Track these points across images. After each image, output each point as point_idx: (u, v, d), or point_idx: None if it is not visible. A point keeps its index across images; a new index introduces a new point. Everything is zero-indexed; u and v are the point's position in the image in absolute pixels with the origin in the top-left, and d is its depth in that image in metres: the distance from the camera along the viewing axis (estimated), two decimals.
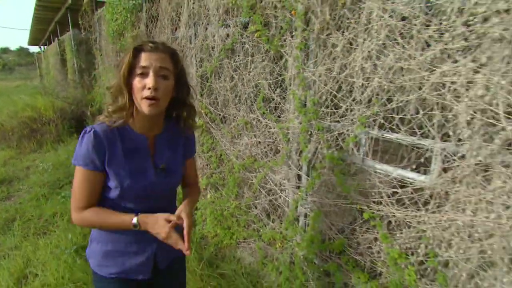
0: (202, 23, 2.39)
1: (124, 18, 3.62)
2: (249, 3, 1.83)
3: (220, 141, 2.42)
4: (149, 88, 0.85)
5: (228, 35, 2.14)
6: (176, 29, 2.88)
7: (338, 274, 1.67)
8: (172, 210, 1.04)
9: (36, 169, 4.13)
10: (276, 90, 1.86)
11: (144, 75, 0.87)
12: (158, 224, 0.85)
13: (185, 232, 0.86)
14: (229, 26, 2.10)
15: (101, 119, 0.93)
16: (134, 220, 0.87)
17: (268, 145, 1.99)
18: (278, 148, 1.92)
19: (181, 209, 0.93)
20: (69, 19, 7.99)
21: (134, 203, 0.95)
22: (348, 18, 1.41)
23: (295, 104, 1.69)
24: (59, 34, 11.04)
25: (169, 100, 0.94)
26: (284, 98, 1.84)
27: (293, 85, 1.71)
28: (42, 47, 21.55)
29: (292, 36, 1.67)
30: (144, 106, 0.87)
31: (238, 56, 2.08)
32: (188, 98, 1.02)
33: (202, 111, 2.51)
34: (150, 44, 0.89)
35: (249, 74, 2.01)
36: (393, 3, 1.23)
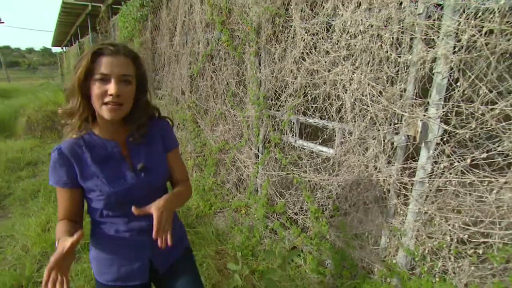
0: (191, 33, 2.92)
1: (133, 26, 4.21)
2: (221, 20, 2.35)
3: (203, 130, 2.94)
4: (111, 95, 0.82)
5: (208, 43, 2.66)
6: (173, 37, 3.43)
7: (281, 230, 2.15)
8: None
9: None
10: (240, 87, 2.37)
11: (104, 80, 0.83)
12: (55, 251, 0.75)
13: (155, 222, 0.81)
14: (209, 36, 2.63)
15: (68, 135, 0.91)
16: (56, 243, 0.80)
17: (236, 130, 2.49)
18: (243, 132, 2.42)
19: (153, 204, 0.85)
20: (89, 23, 8.77)
21: (121, 209, 0.93)
22: (282, 33, 1.90)
23: (250, 97, 2.19)
24: (79, 37, 11.96)
25: (131, 103, 0.91)
26: (245, 93, 2.34)
27: (251, 83, 2.21)
28: (64, 48, 22.92)
29: (249, 46, 2.17)
30: (105, 112, 0.84)
31: (216, 60, 2.60)
32: (151, 100, 1.01)
33: (191, 105, 3.05)
34: (111, 47, 0.84)
35: (222, 75, 2.53)
36: (306, 23, 1.72)
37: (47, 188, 3.39)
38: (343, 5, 1.53)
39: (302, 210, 2.02)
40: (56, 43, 21.19)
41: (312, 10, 1.70)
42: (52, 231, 2.50)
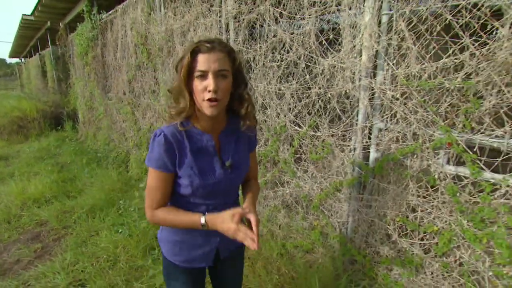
0: (127, 50, 4.12)
1: (87, 43, 5.30)
2: (141, 42, 3.58)
3: (138, 118, 4.12)
4: (210, 91, 0.87)
5: (137, 57, 3.88)
6: (116, 52, 4.59)
7: None
8: (235, 205, 1.09)
9: (24, 152, 5.69)
10: (156, 86, 3.60)
11: (203, 77, 0.88)
12: (225, 222, 0.85)
13: (254, 229, 0.85)
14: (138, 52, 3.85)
15: (170, 122, 0.97)
16: (202, 220, 0.88)
17: (156, 116, 3.71)
18: (160, 117, 3.64)
19: (247, 206, 0.93)
20: (48, 37, 9.55)
21: (203, 199, 0.99)
22: (172, 51, 3.16)
23: (161, 92, 3.43)
24: (39, 49, 12.54)
25: (229, 97, 0.96)
26: (159, 90, 3.57)
27: (161, 83, 3.44)
28: (22, 59, 22.82)
29: (158, 59, 3.41)
30: (206, 108, 0.89)
31: (142, 69, 3.81)
32: (246, 92, 1.02)
33: (130, 101, 4.22)
34: (207, 44, 0.89)
35: (146, 79, 3.74)
36: (181, 46, 2.99)
37: (21, 170, 4.40)
38: (195, 34, 2.82)
39: None
40: (14, 54, 21.13)
41: (183, 38, 2.98)
42: (29, 193, 3.55)
